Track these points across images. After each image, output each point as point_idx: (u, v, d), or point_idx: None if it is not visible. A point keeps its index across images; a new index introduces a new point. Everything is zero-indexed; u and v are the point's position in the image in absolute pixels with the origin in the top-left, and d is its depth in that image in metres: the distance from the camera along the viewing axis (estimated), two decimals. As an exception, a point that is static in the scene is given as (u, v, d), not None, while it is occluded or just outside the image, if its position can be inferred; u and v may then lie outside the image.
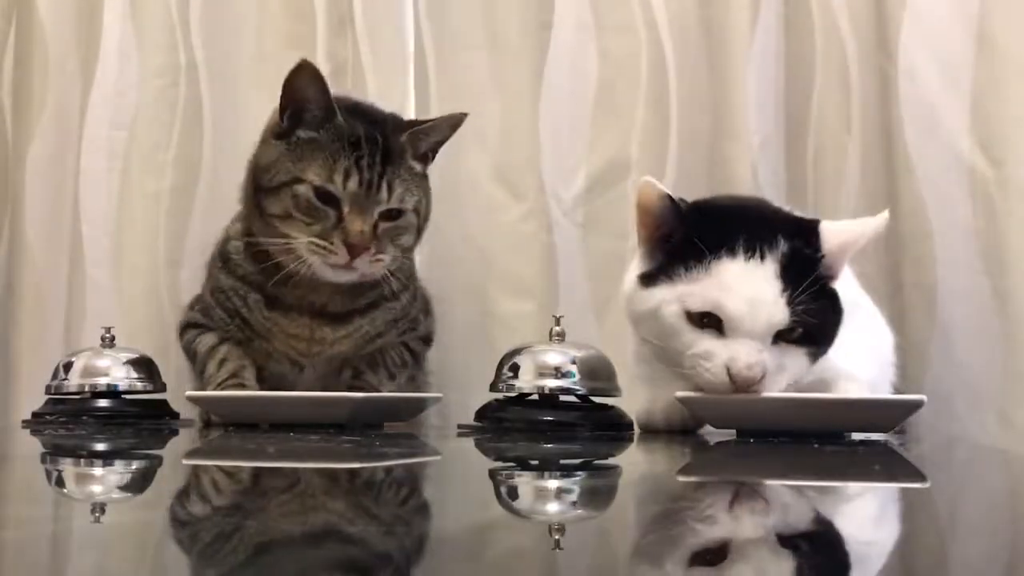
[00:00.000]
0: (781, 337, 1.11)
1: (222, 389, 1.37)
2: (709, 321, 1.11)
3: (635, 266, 1.19)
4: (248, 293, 1.41)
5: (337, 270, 1.34)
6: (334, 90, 1.39)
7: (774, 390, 1.11)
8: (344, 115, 1.36)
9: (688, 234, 1.13)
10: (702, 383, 1.12)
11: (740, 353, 1.09)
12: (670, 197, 1.14)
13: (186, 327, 1.49)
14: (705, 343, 1.11)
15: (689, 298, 1.11)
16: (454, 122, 1.42)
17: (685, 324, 1.12)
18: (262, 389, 1.40)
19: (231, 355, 1.41)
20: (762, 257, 1.11)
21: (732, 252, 1.11)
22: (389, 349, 1.46)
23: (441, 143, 1.43)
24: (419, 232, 1.42)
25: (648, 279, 1.15)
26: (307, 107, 1.36)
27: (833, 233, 1.14)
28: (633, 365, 1.28)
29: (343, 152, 1.33)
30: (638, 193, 1.17)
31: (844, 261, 1.15)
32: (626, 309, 1.20)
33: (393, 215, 1.36)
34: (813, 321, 1.10)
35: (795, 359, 1.12)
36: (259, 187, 1.38)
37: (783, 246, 1.11)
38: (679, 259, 1.13)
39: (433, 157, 1.44)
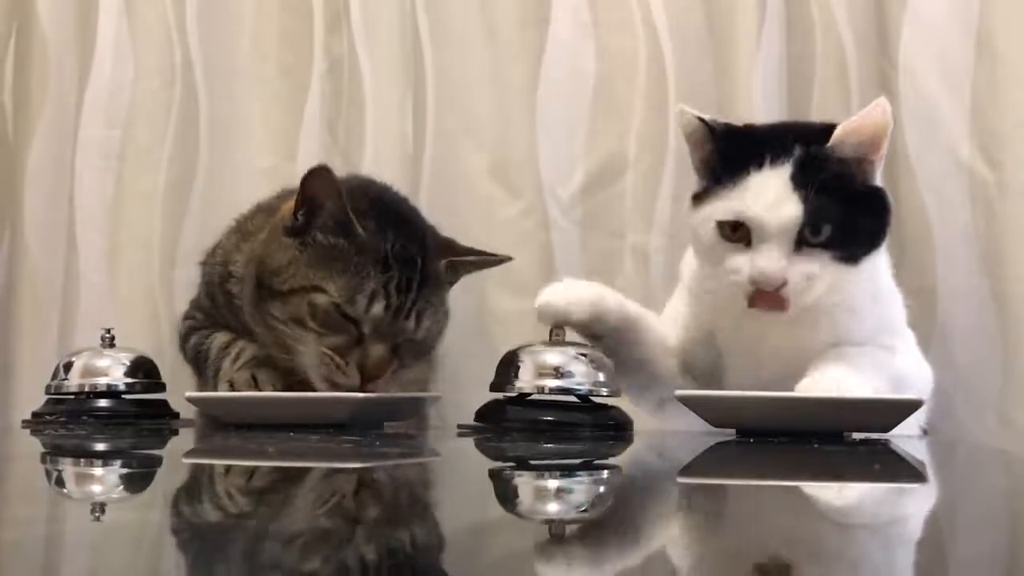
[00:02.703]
0: (806, 243, 1.14)
1: (237, 380, 1.29)
2: (739, 235, 1.16)
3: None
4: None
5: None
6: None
7: (805, 299, 1.14)
8: (370, 220, 1.25)
9: (722, 153, 1.19)
10: (733, 295, 1.16)
11: (760, 260, 1.14)
12: (700, 119, 1.20)
13: (189, 332, 1.44)
14: (734, 257, 1.16)
15: (719, 211, 1.17)
16: (500, 261, 1.35)
17: (717, 239, 1.17)
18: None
19: (245, 351, 1.33)
20: (780, 163, 1.15)
21: (757, 164, 1.16)
22: None
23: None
24: (433, 347, 1.36)
25: (697, 199, 1.21)
26: (323, 213, 1.24)
27: (839, 127, 1.17)
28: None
29: (371, 271, 1.22)
30: (679, 122, 1.23)
31: (866, 153, 1.16)
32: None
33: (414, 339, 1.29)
34: (833, 218, 1.14)
35: (824, 265, 1.15)
36: (265, 287, 1.27)
37: (798, 151, 1.15)
38: (717, 178, 1.19)
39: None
